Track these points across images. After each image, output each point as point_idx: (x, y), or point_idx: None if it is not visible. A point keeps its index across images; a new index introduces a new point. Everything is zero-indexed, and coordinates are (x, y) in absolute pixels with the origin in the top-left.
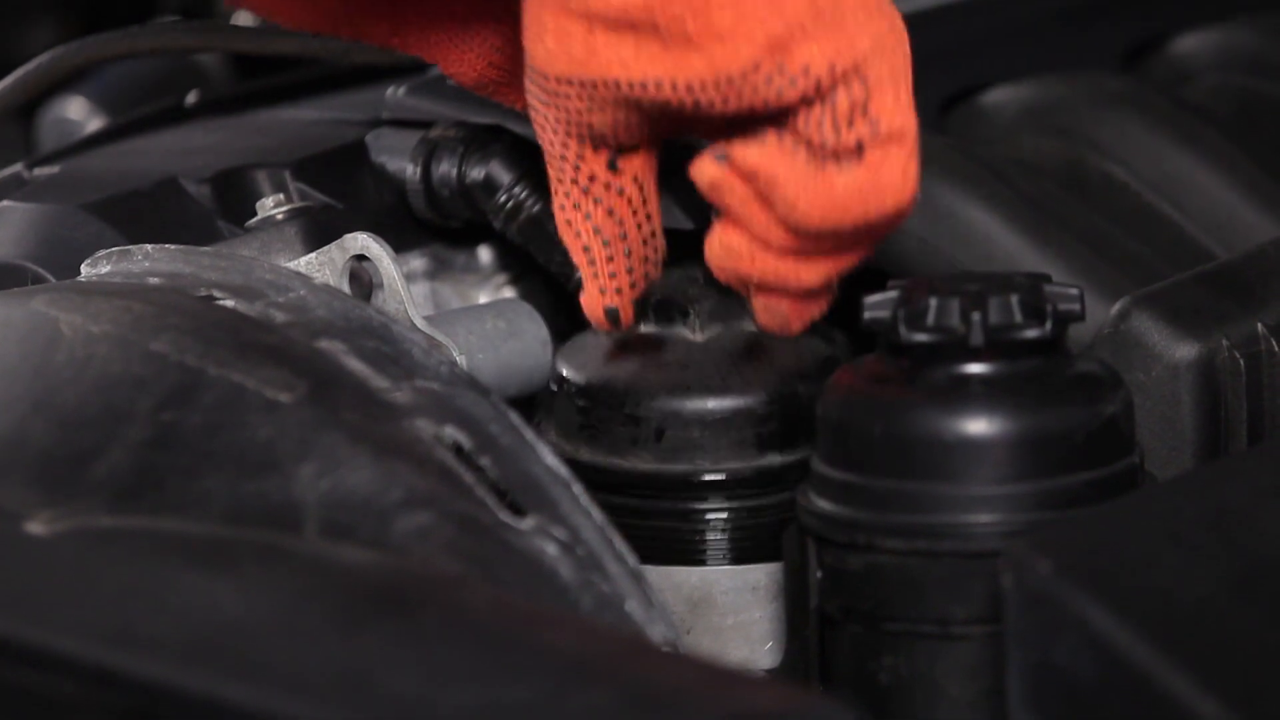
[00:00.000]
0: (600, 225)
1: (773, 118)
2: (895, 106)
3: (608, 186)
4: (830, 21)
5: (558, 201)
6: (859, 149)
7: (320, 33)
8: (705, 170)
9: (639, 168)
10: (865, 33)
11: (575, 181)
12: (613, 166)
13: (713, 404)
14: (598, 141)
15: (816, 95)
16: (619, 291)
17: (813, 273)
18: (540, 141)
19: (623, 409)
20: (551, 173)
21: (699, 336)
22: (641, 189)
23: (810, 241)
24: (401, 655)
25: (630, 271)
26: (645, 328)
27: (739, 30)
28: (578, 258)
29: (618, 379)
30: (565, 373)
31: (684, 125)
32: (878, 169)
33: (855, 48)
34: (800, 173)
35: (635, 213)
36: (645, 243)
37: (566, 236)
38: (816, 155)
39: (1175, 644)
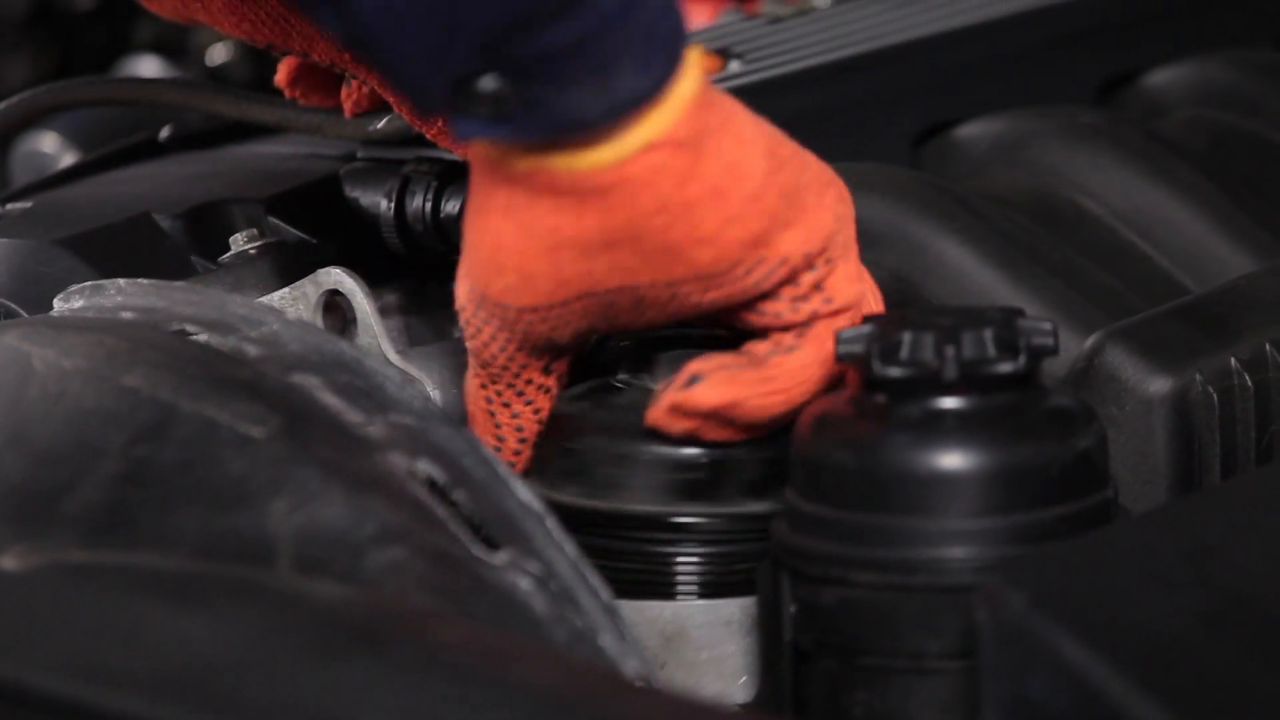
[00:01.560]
0: (523, 423)
1: (742, 305)
2: (846, 281)
3: (540, 388)
4: (800, 206)
5: (482, 394)
6: (809, 323)
7: (269, 43)
8: (671, 424)
9: (564, 370)
10: (827, 210)
11: (511, 385)
12: (547, 370)
13: (688, 451)
14: (544, 351)
15: (789, 279)
16: (512, 466)
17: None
18: (476, 351)
19: (597, 451)
20: (482, 373)
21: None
22: (560, 382)
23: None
24: (375, 691)
25: (530, 456)
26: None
27: (724, 234)
28: (485, 436)
29: (593, 424)
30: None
31: (642, 322)
32: (822, 342)
33: (822, 228)
34: (758, 387)
35: (550, 404)
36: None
37: (479, 419)
38: (767, 351)
39: (1149, 678)
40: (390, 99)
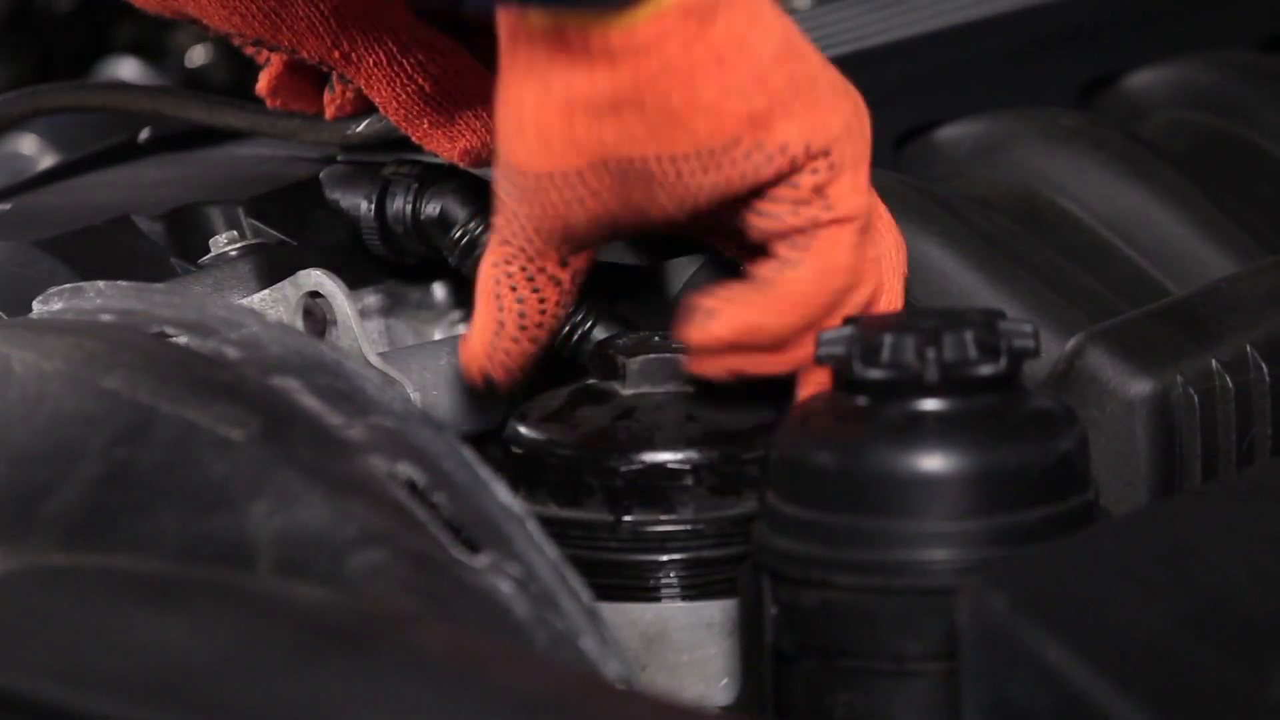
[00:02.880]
0: (526, 309)
1: (743, 200)
2: (851, 191)
3: (550, 278)
4: (808, 100)
5: (493, 273)
6: (809, 231)
7: (257, 38)
8: (707, 367)
9: (580, 268)
10: (838, 113)
11: (523, 268)
12: (563, 261)
13: (670, 455)
14: (561, 239)
15: (789, 172)
16: (505, 368)
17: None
18: (498, 229)
19: (583, 462)
20: (499, 250)
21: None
22: (574, 281)
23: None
24: (355, 694)
25: (532, 341)
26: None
27: (723, 105)
28: (485, 320)
29: (578, 434)
30: (524, 430)
31: (654, 221)
32: (826, 254)
33: (829, 128)
34: (771, 307)
35: (559, 302)
36: (555, 319)
37: (484, 301)
38: (772, 270)
39: (1130, 680)
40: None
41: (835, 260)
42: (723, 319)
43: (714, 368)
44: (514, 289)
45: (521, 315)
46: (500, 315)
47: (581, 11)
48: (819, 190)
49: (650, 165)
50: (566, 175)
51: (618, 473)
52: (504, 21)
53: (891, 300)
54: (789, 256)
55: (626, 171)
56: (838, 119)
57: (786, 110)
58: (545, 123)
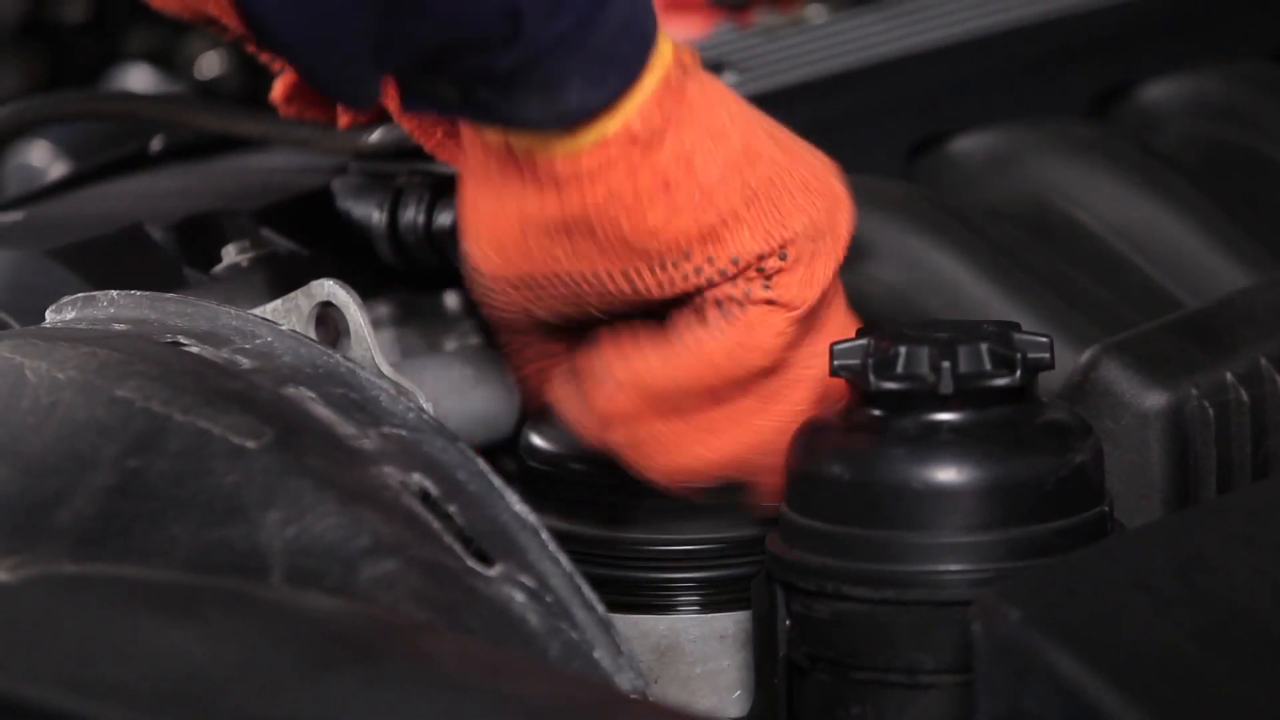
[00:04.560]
0: (528, 374)
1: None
2: (799, 283)
3: (544, 354)
4: (764, 205)
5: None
6: (741, 303)
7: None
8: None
9: (568, 339)
10: (801, 212)
11: (507, 342)
12: (547, 337)
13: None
14: (528, 327)
15: (741, 274)
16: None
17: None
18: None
19: (595, 480)
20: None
21: None
22: (569, 348)
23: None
24: (367, 703)
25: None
26: None
27: (671, 227)
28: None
29: (588, 453)
30: (538, 444)
31: (607, 307)
32: (749, 330)
33: (786, 228)
34: (674, 366)
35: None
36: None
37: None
38: (684, 323)
39: (1144, 692)
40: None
41: (755, 339)
42: (623, 381)
43: (615, 435)
44: (517, 369)
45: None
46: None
47: (527, 135)
48: (765, 274)
49: (603, 279)
50: (522, 279)
51: (620, 487)
52: (464, 124)
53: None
54: (713, 319)
55: (578, 287)
56: (800, 218)
57: (738, 220)
58: (497, 233)
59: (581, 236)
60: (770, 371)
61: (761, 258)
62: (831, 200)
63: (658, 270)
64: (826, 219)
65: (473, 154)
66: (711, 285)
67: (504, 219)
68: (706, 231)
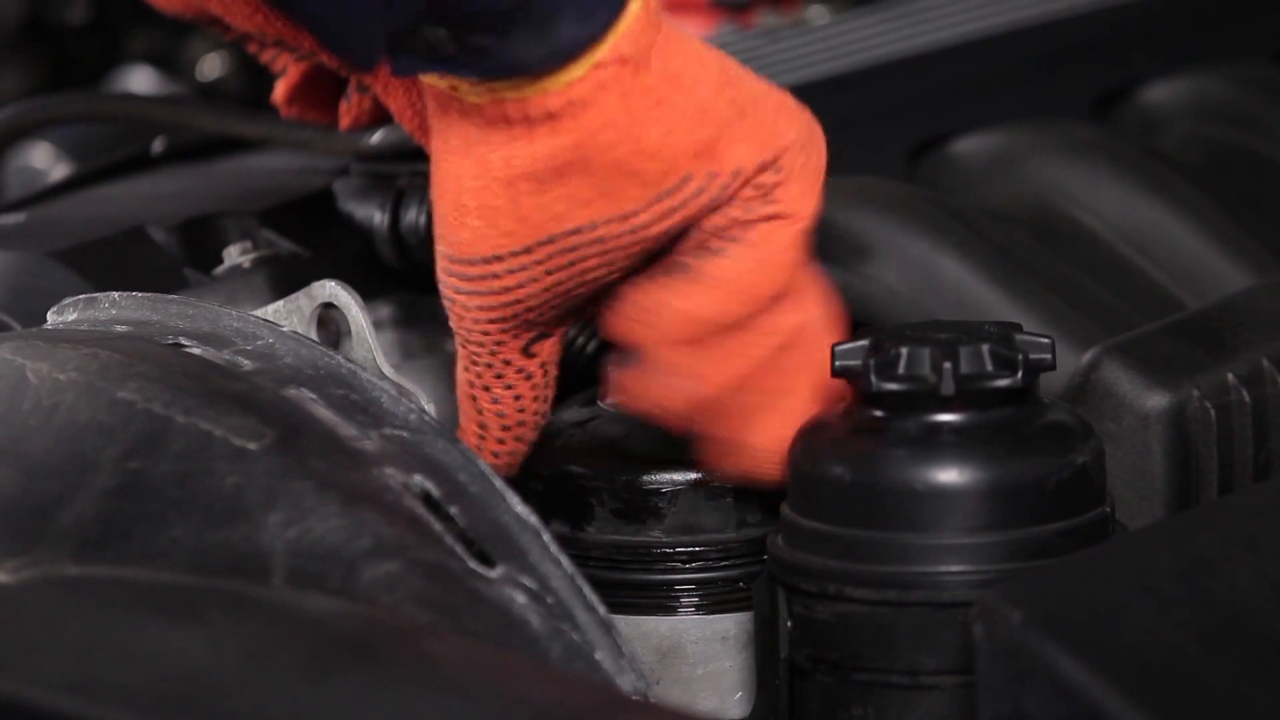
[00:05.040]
0: (504, 409)
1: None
2: (799, 194)
3: (519, 371)
4: (754, 119)
5: (464, 377)
6: (747, 223)
7: (278, 38)
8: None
9: (549, 353)
10: (790, 127)
11: (489, 365)
12: (527, 352)
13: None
14: (519, 325)
15: (741, 189)
16: (496, 455)
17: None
18: (453, 326)
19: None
20: (461, 353)
21: None
22: (546, 373)
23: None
24: (369, 705)
25: (518, 440)
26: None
27: (669, 145)
28: (468, 424)
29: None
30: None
31: (612, 276)
32: (763, 244)
33: (780, 139)
34: (681, 288)
35: (536, 397)
36: (537, 415)
37: (464, 405)
38: (692, 257)
39: (1146, 694)
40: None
41: (773, 252)
42: (665, 313)
43: (656, 390)
44: (487, 389)
45: (501, 415)
46: (480, 418)
47: (517, 79)
48: (763, 190)
49: (599, 230)
50: (515, 254)
51: (593, 488)
52: (432, 99)
53: (817, 353)
54: (712, 245)
55: (577, 241)
56: (790, 130)
57: (734, 133)
58: (487, 202)
59: (576, 178)
60: (786, 291)
61: (760, 168)
62: (809, 121)
63: (660, 201)
64: (808, 134)
65: (448, 125)
66: (715, 207)
67: (491, 183)
68: (703, 147)
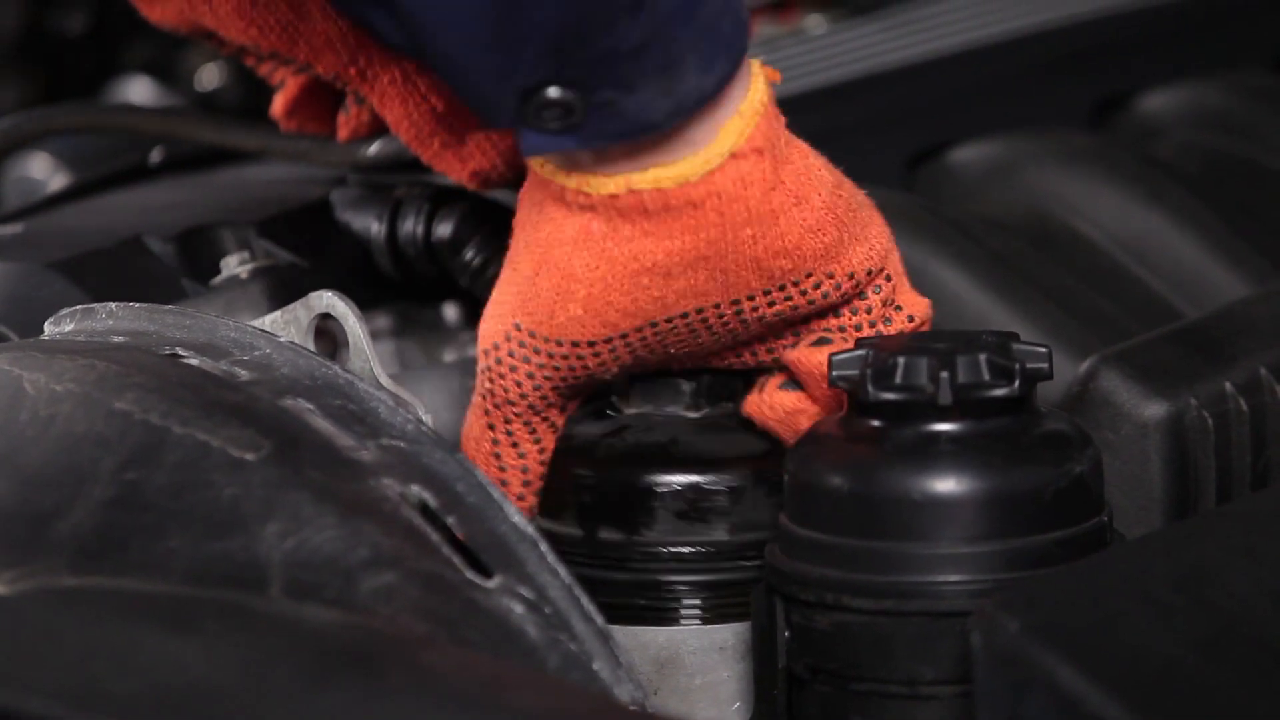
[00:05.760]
0: (529, 464)
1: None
2: (913, 295)
3: (551, 427)
4: (861, 220)
5: (489, 435)
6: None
7: (273, 50)
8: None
9: (576, 402)
10: (882, 232)
11: (527, 424)
12: (564, 409)
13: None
14: (578, 390)
15: (853, 295)
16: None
17: None
18: (497, 392)
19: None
20: (496, 413)
21: (691, 414)
22: (566, 420)
23: None
24: (367, 716)
25: (535, 494)
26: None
27: (804, 245)
28: (490, 474)
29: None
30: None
31: (689, 350)
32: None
33: (881, 244)
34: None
35: (553, 445)
36: (546, 463)
37: (484, 462)
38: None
39: (1144, 704)
40: (393, 120)
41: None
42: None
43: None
44: (515, 446)
45: (525, 470)
46: (503, 475)
47: (649, 168)
48: (887, 303)
49: (708, 313)
50: (610, 341)
51: (593, 490)
52: (535, 185)
53: None
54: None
55: (679, 325)
56: (883, 237)
57: (852, 237)
58: (600, 294)
59: (704, 269)
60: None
61: (871, 274)
62: (875, 209)
63: (777, 291)
64: (888, 232)
65: (558, 220)
66: (823, 308)
67: (610, 276)
68: (830, 248)
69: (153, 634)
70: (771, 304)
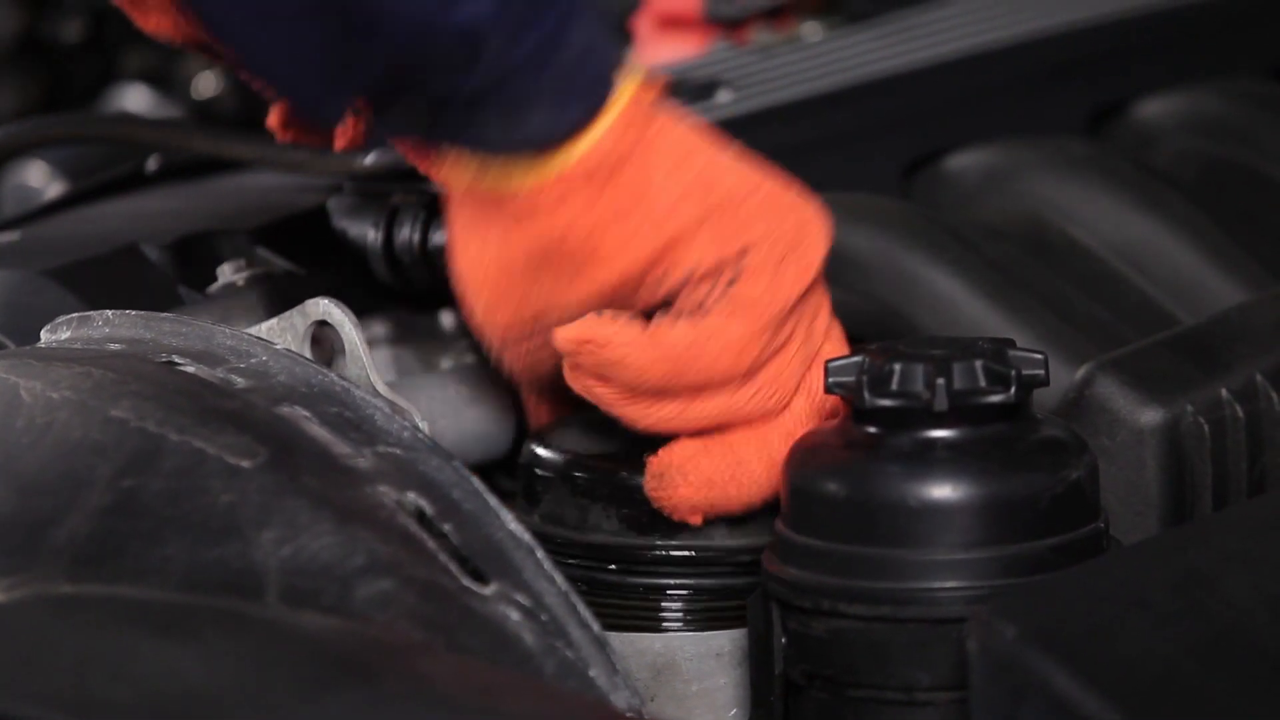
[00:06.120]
0: None
1: None
2: (762, 288)
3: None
4: (725, 213)
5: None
6: (705, 306)
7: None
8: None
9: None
10: (760, 222)
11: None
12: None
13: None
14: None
15: (701, 279)
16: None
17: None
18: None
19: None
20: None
21: None
22: None
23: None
24: None
25: None
26: None
27: (623, 255)
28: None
29: (591, 457)
30: (542, 452)
31: None
32: (711, 330)
33: (745, 234)
34: (643, 349)
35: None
36: None
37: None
38: (658, 319)
39: (1140, 709)
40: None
41: (720, 337)
42: (577, 325)
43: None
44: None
45: None
46: None
47: (496, 166)
48: (725, 285)
49: (574, 312)
50: (510, 324)
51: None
52: (440, 173)
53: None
54: (685, 309)
55: (555, 320)
56: (759, 225)
57: (692, 236)
58: (483, 273)
59: (548, 269)
60: (729, 378)
61: (719, 264)
62: (799, 217)
63: (619, 292)
64: (794, 233)
65: (458, 201)
66: (669, 290)
67: (487, 258)
68: (657, 254)
69: (149, 641)
70: (619, 300)
